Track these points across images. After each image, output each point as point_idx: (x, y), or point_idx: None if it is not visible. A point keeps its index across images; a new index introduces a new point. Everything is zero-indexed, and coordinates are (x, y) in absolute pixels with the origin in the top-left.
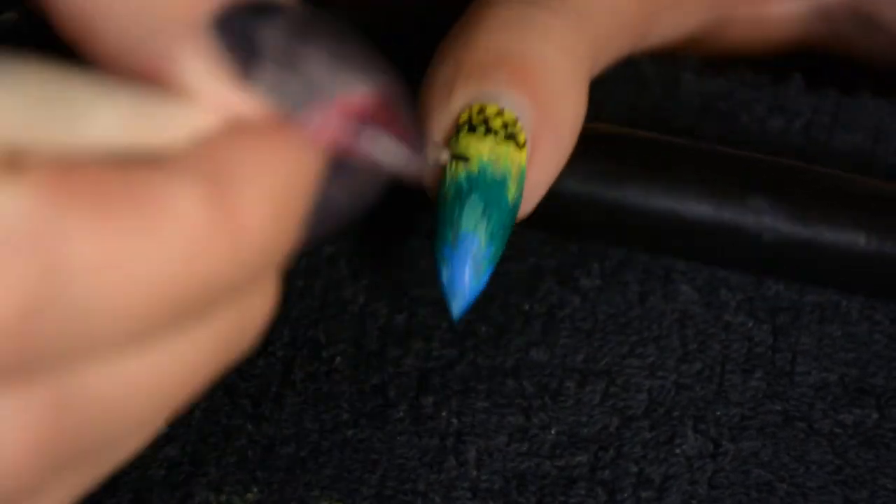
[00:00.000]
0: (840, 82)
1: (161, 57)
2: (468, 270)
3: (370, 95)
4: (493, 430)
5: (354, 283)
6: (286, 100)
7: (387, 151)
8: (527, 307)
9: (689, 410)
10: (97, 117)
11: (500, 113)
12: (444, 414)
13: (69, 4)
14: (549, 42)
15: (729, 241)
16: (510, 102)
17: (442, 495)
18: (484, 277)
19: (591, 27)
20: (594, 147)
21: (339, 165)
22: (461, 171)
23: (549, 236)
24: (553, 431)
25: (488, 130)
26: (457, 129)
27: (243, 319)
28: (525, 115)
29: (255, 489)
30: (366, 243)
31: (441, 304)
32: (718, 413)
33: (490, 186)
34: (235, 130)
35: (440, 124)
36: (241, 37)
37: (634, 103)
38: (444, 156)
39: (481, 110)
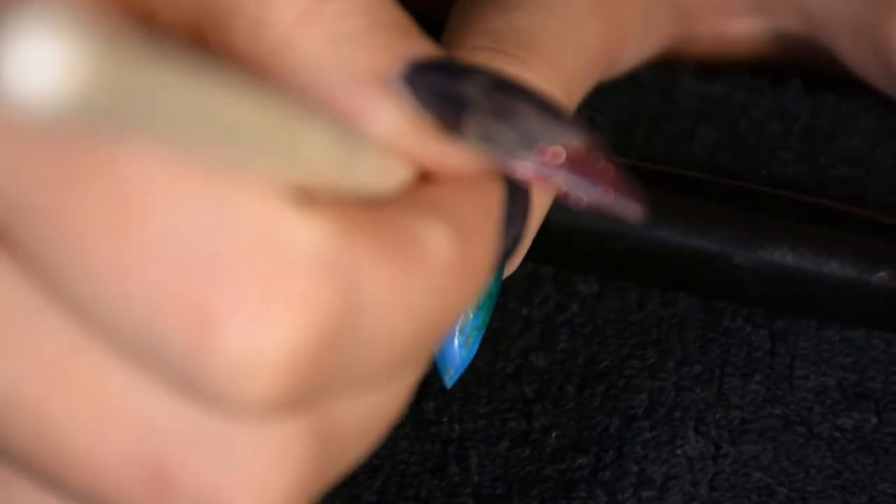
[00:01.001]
0: (839, 86)
1: (349, 108)
2: (457, 343)
3: (584, 144)
4: (494, 435)
5: None
6: (499, 148)
7: (602, 197)
8: (525, 312)
9: (690, 412)
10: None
11: None
12: (445, 419)
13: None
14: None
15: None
16: None
17: (444, 501)
18: (474, 346)
19: (561, 72)
20: None
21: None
22: None
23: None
24: (554, 435)
25: None
26: None
27: None
28: None
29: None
30: None
31: None
32: (718, 416)
33: None
34: (440, 178)
35: None
36: (442, 91)
37: (632, 108)
38: None
39: None
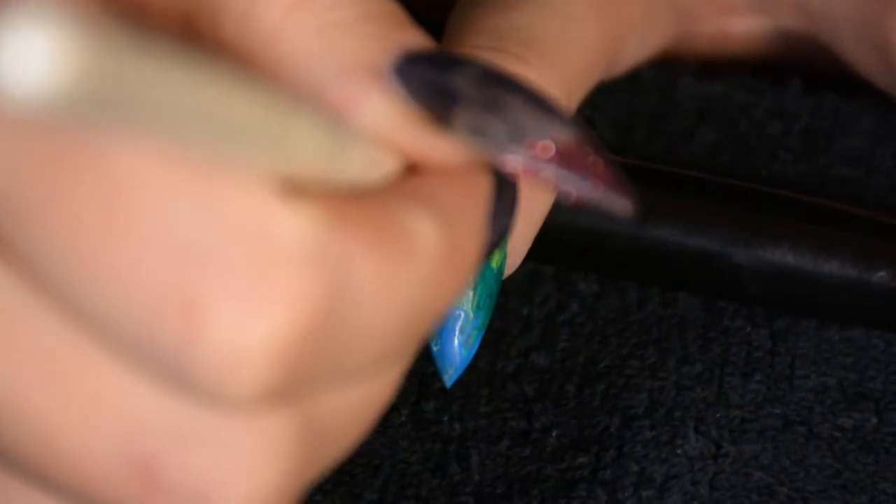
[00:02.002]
0: (839, 86)
1: (339, 99)
2: (457, 343)
3: (573, 138)
4: (495, 434)
5: None
6: (489, 141)
7: (592, 191)
8: (526, 312)
9: (690, 412)
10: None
11: None
12: (445, 419)
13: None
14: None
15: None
16: None
17: (444, 501)
18: (474, 346)
19: (562, 71)
20: None
21: (498, 193)
22: None
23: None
24: (554, 434)
25: None
26: None
27: None
28: None
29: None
30: None
31: None
32: (719, 415)
33: None
34: (429, 170)
35: None
36: (432, 83)
37: (632, 108)
38: None
39: None
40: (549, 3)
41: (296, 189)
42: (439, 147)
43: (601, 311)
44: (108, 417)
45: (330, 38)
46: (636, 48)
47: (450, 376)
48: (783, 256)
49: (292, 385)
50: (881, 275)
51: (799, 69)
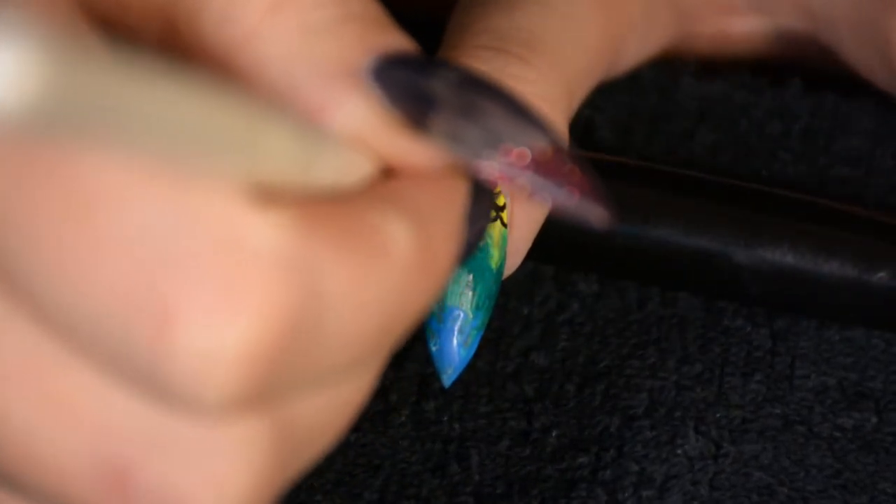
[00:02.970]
0: (839, 86)
1: (317, 100)
2: (456, 343)
3: (550, 145)
4: (495, 434)
5: None
6: (464, 147)
7: (567, 199)
8: (526, 311)
9: (690, 412)
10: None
11: None
12: (445, 419)
13: (228, 33)
14: (521, 94)
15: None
16: None
17: (445, 500)
18: (473, 346)
19: (564, 71)
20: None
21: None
22: None
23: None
24: (554, 434)
25: None
26: None
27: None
28: None
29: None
30: None
31: None
32: (719, 415)
33: (473, 257)
34: (405, 173)
35: None
36: (410, 87)
37: (632, 108)
38: None
39: None
40: (551, 4)
41: (267, 195)
42: (416, 151)
43: (601, 311)
44: (83, 424)
45: (309, 39)
46: (637, 48)
47: (448, 376)
48: (783, 256)
49: (264, 391)
50: (881, 275)
51: (799, 69)
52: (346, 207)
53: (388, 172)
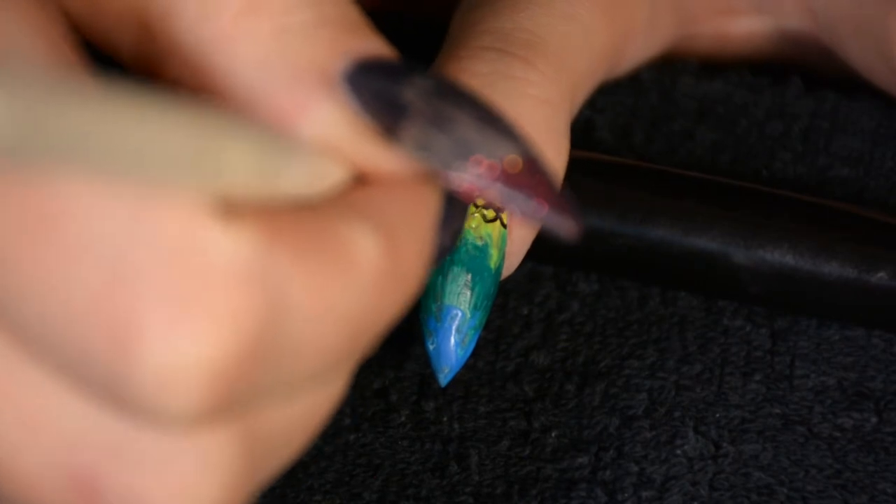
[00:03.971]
0: (839, 86)
1: (289, 105)
2: (454, 342)
3: (520, 156)
4: (494, 434)
5: None
6: (434, 156)
7: (536, 211)
8: (526, 311)
9: (690, 412)
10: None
11: None
12: (445, 419)
13: (203, 46)
14: (524, 96)
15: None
16: None
17: (444, 500)
18: (470, 345)
19: (566, 72)
20: (589, 176)
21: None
22: None
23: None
24: (554, 434)
25: None
26: None
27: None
28: None
29: (257, 493)
30: None
31: None
32: (718, 415)
33: (472, 257)
34: (376, 181)
35: None
36: (382, 94)
37: (632, 108)
38: None
39: None
40: (554, 5)
41: (230, 209)
42: (387, 159)
43: (601, 311)
44: (48, 433)
45: (281, 42)
46: (639, 50)
47: (445, 375)
48: (783, 256)
49: (230, 403)
50: (881, 275)
51: (799, 69)
52: (311, 217)
53: (360, 179)
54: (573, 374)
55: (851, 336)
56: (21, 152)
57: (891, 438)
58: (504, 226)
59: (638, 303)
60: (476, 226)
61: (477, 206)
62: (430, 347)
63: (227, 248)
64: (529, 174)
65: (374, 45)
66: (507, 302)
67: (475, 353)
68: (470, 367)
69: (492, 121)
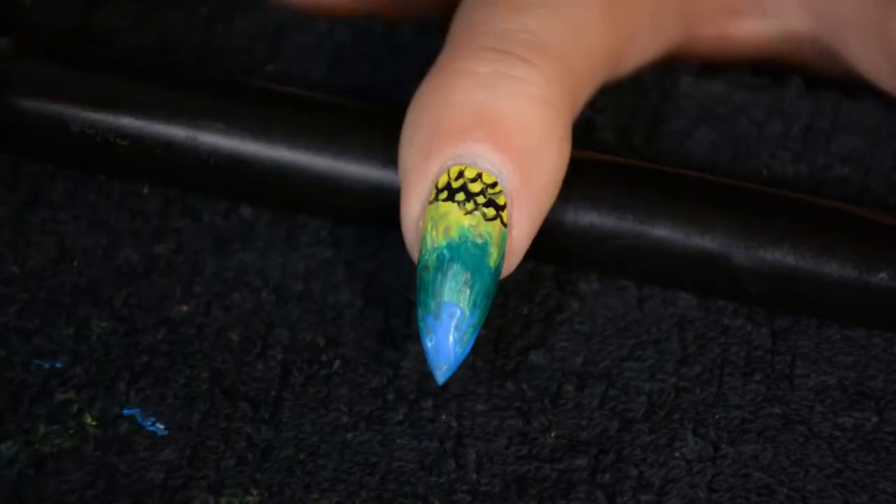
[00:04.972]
0: (839, 86)
1: None
2: (452, 340)
3: None
4: (492, 433)
5: (352, 286)
6: None
7: None
8: (525, 311)
9: (689, 414)
10: None
11: (478, 176)
12: (443, 417)
13: None
14: (526, 97)
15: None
16: (488, 164)
17: (441, 498)
18: (469, 344)
19: (569, 74)
20: (589, 176)
21: None
22: (441, 238)
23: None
24: (552, 435)
25: (468, 194)
26: (435, 194)
27: None
28: (504, 175)
29: (255, 492)
30: (363, 247)
31: None
32: (718, 416)
33: (472, 255)
34: None
35: (419, 188)
36: None
37: (632, 108)
38: (422, 222)
39: (460, 174)
40: (556, 6)
41: None
42: None
43: (601, 311)
44: None
45: None
46: (642, 52)
47: (443, 373)
48: (783, 256)
49: None
50: (881, 275)
51: (799, 69)
52: None
53: None
54: (572, 374)
55: (852, 335)
56: None
57: (891, 438)
58: (504, 224)
59: (637, 303)
60: (476, 224)
61: (477, 205)
62: (429, 345)
63: None
64: None
65: None
66: (507, 301)
67: (474, 352)
68: (469, 365)
69: None
